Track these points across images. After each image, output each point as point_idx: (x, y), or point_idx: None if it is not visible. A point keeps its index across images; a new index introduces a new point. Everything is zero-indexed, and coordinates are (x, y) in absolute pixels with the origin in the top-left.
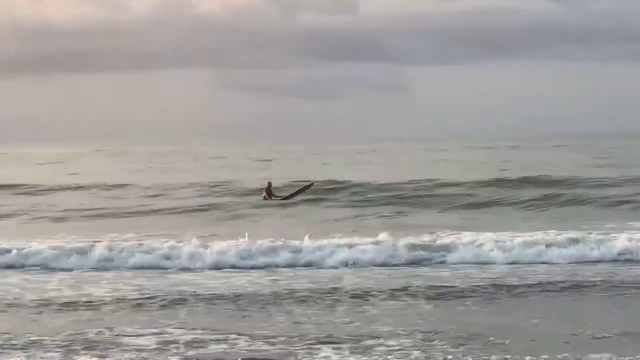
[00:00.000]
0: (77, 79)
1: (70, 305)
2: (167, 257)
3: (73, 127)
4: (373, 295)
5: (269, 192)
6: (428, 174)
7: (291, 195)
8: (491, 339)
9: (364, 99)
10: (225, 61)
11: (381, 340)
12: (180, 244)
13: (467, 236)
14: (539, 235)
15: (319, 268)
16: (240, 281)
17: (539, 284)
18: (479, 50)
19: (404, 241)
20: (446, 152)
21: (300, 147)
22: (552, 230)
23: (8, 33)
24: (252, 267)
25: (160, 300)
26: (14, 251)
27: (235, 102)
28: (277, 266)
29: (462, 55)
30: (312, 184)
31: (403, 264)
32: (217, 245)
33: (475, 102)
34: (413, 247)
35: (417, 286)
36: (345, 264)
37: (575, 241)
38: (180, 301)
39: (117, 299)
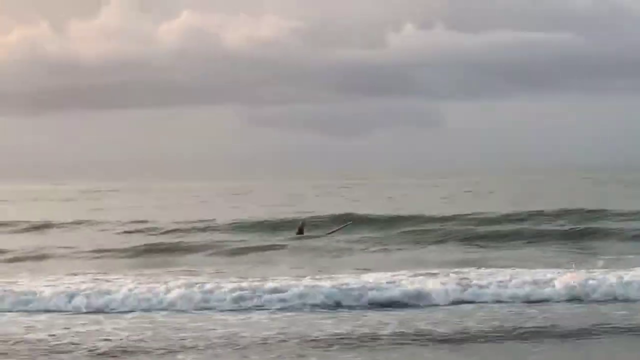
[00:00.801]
0: (103, 115)
1: None
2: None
3: (100, 163)
4: None
5: (301, 231)
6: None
7: (327, 234)
8: None
9: (394, 134)
10: (253, 96)
11: None
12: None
13: None
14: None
15: None
16: None
17: None
18: (509, 83)
19: None
20: (481, 184)
21: (332, 181)
22: None
23: (34, 69)
24: None
25: None
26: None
27: (263, 136)
28: None
29: (493, 89)
30: (350, 223)
31: None
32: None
33: (506, 135)
34: None
35: None
36: None
37: None
38: None
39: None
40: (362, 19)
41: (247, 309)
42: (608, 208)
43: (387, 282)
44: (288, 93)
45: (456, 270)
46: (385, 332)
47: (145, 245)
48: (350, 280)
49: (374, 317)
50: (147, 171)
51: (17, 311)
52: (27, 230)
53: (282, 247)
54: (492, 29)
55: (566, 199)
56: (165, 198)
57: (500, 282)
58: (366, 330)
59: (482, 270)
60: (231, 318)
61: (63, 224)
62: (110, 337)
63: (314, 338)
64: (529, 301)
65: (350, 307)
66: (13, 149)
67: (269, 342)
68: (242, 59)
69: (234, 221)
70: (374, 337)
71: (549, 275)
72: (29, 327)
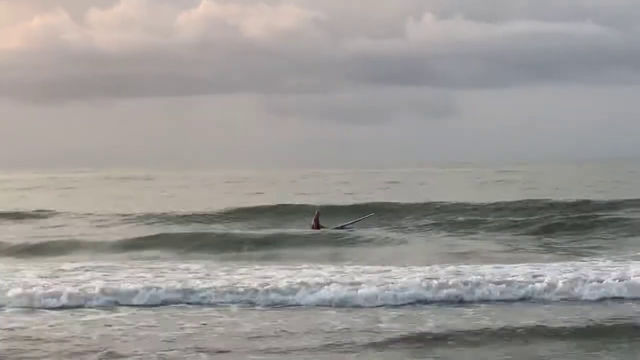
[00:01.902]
0: (123, 104)
1: None
2: None
3: (120, 152)
4: None
5: (317, 221)
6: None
7: (344, 226)
8: None
9: (413, 123)
10: (272, 86)
11: None
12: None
13: None
14: None
15: None
16: None
17: None
18: (527, 74)
19: None
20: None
21: (350, 170)
22: None
23: (55, 59)
24: None
25: None
26: None
27: (282, 126)
28: None
29: (510, 79)
30: (371, 215)
31: None
32: None
33: (523, 125)
34: None
35: None
36: None
37: None
38: None
39: None
40: (381, 9)
41: None
42: None
43: None
44: (307, 83)
45: None
46: None
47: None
48: None
49: None
50: (167, 159)
51: None
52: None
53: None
54: (511, 20)
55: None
56: (207, 186)
57: None
58: None
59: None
60: None
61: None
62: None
63: None
64: None
65: None
66: (33, 137)
67: None
68: (261, 48)
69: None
70: None
71: None
72: None
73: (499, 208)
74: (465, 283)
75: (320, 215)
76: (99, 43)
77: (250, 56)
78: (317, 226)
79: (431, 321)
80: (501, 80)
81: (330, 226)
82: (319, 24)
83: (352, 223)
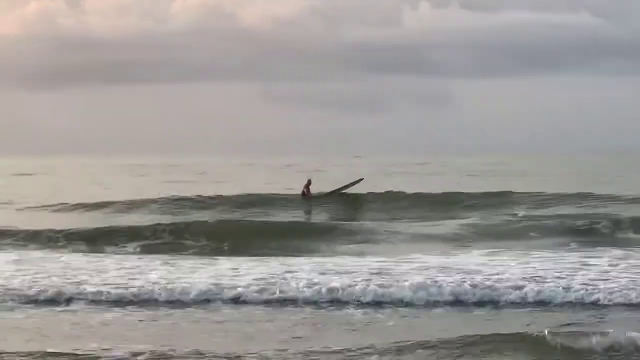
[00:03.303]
0: (118, 90)
1: None
2: None
3: (115, 139)
4: None
5: (308, 188)
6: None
7: (334, 191)
8: None
9: (409, 112)
10: (268, 74)
11: None
12: None
13: None
14: None
15: None
16: None
17: None
18: (522, 64)
19: None
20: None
21: (344, 159)
22: None
23: (50, 44)
24: None
25: None
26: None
27: (278, 115)
28: None
29: (505, 69)
30: (361, 179)
31: None
32: None
33: (519, 115)
34: None
35: None
36: None
37: None
38: None
39: None
40: None
41: None
42: None
43: None
44: (303, 71)
45: None
46: None
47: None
48: None
49: None
50: (162, 147)
51: None
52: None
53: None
54: (507, 9)
55: None
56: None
57: None
58: None
59: None
60: None
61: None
62: None
63: None
64: None
65: None
66: (28, 123)
67: None
68: (257, 36)
69: None
70: None
71: None
72: None
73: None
74: None
75: (311, 184)
76: (95, 29)
77: (246, 44)
78: (308, 193)
79: None
80: (496, 70)
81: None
82: (316, 12)
83: (341, 188)
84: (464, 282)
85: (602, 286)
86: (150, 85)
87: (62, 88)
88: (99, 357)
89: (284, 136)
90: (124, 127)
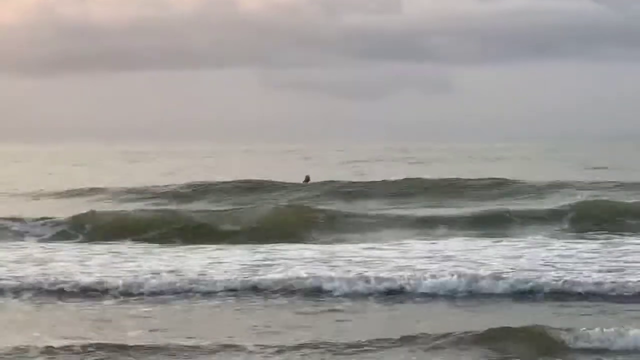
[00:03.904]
0: (119, 77)
1: None
2: None
3: (117, 126)
4: None
5: (307, 181)
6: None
7: None
8: None
9: (408, 99)
10: (268, 60)
11: None
12: None
13: None
14: None
15: None
16: None
17: None
18: (523, 50)
19: None
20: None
21: (342, 144)
22: None
23: (50, 32)
24: None
25: None
26: None
27: (278, 101)
28: None
29: (506, 55)
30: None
31: None
32: None
33: (519, 102)
34: None
35: None
36: None
37: None
38: None
39: None
40: None
41: None
42: None
43: None
44: (303, 57)
45: None
46: None
47: None
48: None
49: None
50: (164, 133)
51: None
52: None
53: None
54: None
55: None
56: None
57: None
58: None
59: None
60: None
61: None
62: None
63: None
64: None
65: None
66: (29, 110)
67: None
68: (258, 23)
69: None
70: None
71: None
72: None
73: None
74: None
75: (309, 181)
76: (95, 16)
77: (246, 31)
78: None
79: None
80: (496, 56)
81: None
82: None
83: None
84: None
85: None
86: (151, 72)
87: (62, 76)
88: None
89: (284, 122)
90: (125, 114)
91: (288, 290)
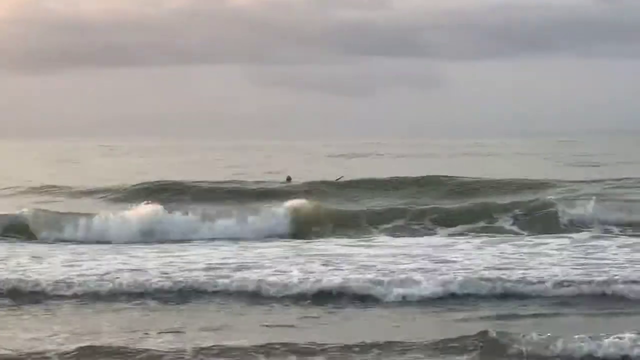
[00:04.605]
0: (109, 73)
1: None
2: None
3: (108, 121)
4: None
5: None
6: None
7: None
8: None
9: (399, 94)
10: (259, 56)
11: None
12: None
13: None
14: None
15: None
16: None
17: None
18: (515, 45)
19: None
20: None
21: (334, 141)
22: None
23: (39, 28)
24: None
25: None
26: None
27: (268, 97)
28: None
29: (498, 51)
30: (342, 177)
31: None
32: None
33: (511, 97)
34: None
35: None
36: None
37: None
38: None
39: None
40: None
41: None
42: None
43: None
44: (294, 53)
45: None
46: None
47: None
48: None
49: None
50: (154, 129)
51: None
52: None
53: None
54: None
55: None
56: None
57: None
58: None
59: None
60: None
61: None
62: None
63: None
64: None
65: None
66: (17, 106)
67: None
68: (247, 19)
69: None
70: None
71: None
72: None
73: None
74: None
75: (290, 180)
76: (84, 12)
77: (237, 26)
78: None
79: None
80: (488, 52)
81: None
82: None
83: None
84: None
85: None
86: (140, 68)
87: (51, 72)
88: None
89: (274, 118)
90: (114, 110)
91: None
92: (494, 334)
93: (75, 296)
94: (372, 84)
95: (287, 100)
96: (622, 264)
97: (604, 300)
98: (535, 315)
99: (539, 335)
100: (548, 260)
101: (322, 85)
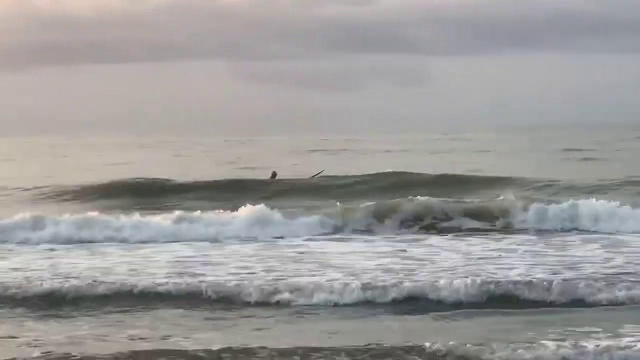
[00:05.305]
0: (95, 69)
1: None
2: None
3: (93, 118)
4: None
5: (274, 177)
6: None
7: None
8: None
9: (384, 90)
10: (244, 52)
11: None
12: None
13: None
14: None
15: None
16: None
17: None
18: (501, 41)
19: None
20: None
21: (317, 137)
22: None
23: (26, 24)
24: None
25: None
26: None
27: (253, 93)
28: None
29: (484, 46)
30: (323, 170)
31: None
32: None
33: (495, 93)
34: None
35: None
36: None
37: None
38: None
39: None
40: None
41: None
42: None
43: None
44: (279, 50)
45: None
46: None
47: None
48: None
49: None
50: (139, 125)
51: None
52: None
53: None
54: None
55: None
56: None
57: None
58: None
59: None
60: None
61: None
62: None
63: None
64: None
65: None
66: (3, 103)
67: None
68: (232, 15)
69: None
70: None
71: None
72: None
73: None
74: None
75: (276, 176)
76: (70, 8)
77: (223, 22)
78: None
79: None
80: (474, 47)
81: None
82: None
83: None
84: None
85: None
86: (126, 64)
87: (38, 68)
88: None
89: (259, 114)
90: (102, 106)
91: None
92: None
93: None
94: (357, 79)
95: (272, 96)
96: None
97: None
98: None
99: None
100: None
101: (307, 81)
